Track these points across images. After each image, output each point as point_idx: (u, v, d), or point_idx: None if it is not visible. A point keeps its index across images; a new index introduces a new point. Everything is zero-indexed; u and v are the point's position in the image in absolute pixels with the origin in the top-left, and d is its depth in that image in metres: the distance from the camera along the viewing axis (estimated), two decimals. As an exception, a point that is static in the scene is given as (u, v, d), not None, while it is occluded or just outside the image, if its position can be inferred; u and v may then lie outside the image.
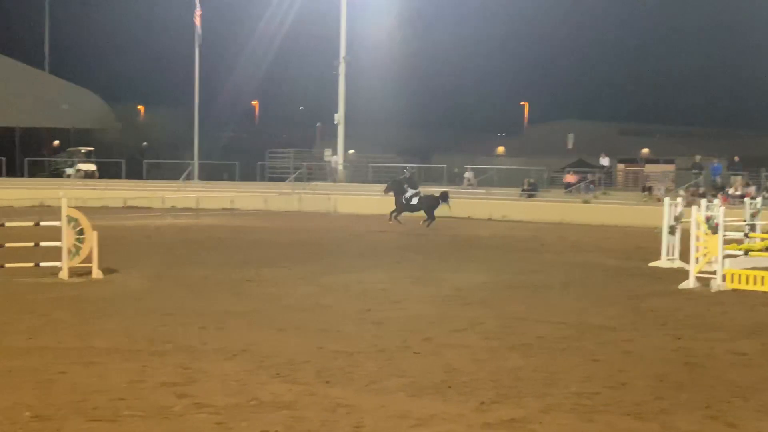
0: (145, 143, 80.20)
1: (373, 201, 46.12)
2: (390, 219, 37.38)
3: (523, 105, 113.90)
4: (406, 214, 38.19)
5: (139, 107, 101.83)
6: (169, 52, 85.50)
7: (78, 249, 19.76)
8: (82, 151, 67.66)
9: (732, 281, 19.44)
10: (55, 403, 9.76)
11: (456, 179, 59.58)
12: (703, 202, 21.36)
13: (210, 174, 62.46)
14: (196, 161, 61.55)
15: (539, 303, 17.65)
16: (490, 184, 55.48)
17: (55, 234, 19.88)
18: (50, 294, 17.64)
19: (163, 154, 67.60)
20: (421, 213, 38.08)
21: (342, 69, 59.70)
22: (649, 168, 61.48)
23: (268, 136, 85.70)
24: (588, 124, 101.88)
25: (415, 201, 37.15)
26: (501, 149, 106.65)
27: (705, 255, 19.98)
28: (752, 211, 24.41)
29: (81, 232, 19.80)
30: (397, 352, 12.69)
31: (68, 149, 70.23)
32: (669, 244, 24.29)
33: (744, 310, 17.08)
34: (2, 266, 19.61)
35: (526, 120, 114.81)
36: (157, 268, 21.89)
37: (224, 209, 48.69)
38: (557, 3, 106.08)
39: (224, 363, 11.81)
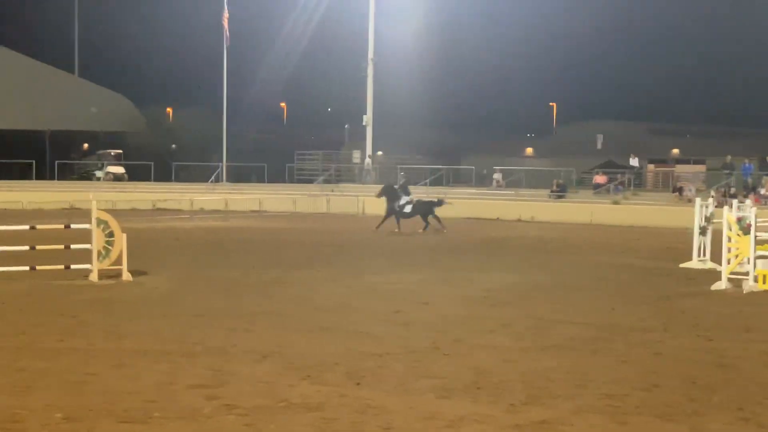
0: (173, 145, 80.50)
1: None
2: (391, 225, 36.30)
3: (552, 106, 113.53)
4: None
5: (167, 109, 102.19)
6: (197, 54, 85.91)
7: (108, 251, 19.83)
8: (112, 153, 68.01)
9: (764, 282, 19.25)
10: (86, 405, 9.79)
11: (485, 180, 59.39)
12: (735, 202, 21.19)
13: (238, 176, 62.58)
14: (224, 163, 61.66)
15: (569, 304, 17.57)
16: (518, 186, 55.27)
17: (85, 236, 19.95)
18: (81, 296, 17.71)
19: (191, 157, 67.71)
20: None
21: (370, 70, 59.67)
22: (679, 168, 61.00)
23: (296, 137, 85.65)
24: (617, 124, 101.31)
25: (408, 209, 36.57)
26: (529, 150, 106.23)
27: (737, 256, 19.83)
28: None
29: (111, 234, 19.86)
30: (427, 354, 12.66)
31: (97, 152, 70.60)
32: (700, 244, 24.13)
33: (776, 312, 16.96)
34: (33, 268, 19.71)
35: (554, 121, 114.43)
36: (185, 270, 21.94)
37: (253, 211, 48.79)
38: (586, 2, 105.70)
39: (254, 365, 11.81)
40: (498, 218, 44.38)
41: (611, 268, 23.87)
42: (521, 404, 10.05)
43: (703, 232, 24.04)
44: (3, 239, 22.12)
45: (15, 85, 73.70)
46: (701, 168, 60.32)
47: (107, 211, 21.52)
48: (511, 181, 56.43)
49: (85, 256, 19.90)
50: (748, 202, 24.54)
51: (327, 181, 57.52)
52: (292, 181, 61.05)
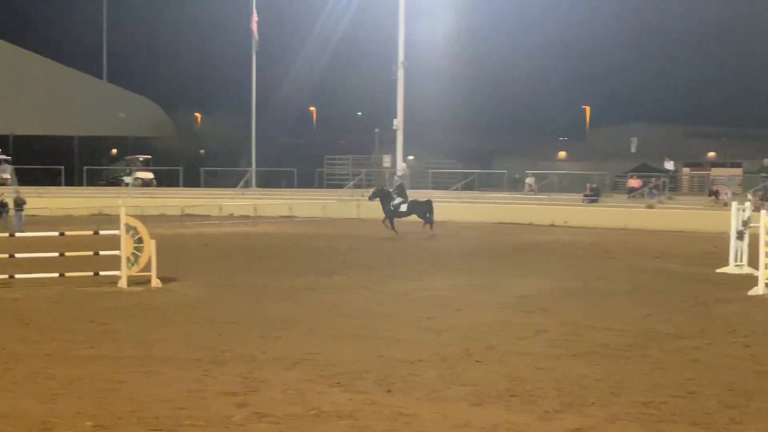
0: (202, 151, 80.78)
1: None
2: (387, 226, 36.32)
3: (585, 108, 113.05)
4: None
5: (196, 114, 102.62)
6: (225, 59, 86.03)
7: (137, 258, 19.83)
8: (140, 159, 68.32)
9: (802, 287, 19.02)
10: (115, 412, 9.73)
11: (517, 185, 59.23)
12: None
13: (268, 181, 62.66)
14: (253, 168, 61.78)
15: (604, 310, 17.39)
16: (551, 190, 55.00)
17: (114, 243, 19.97)
18: (110, 303, 17.70)
19: (220, 162, 67.88)
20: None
21: (400, 74, 59.54)
22: (715, 172, 60.39)
23: (326, 142, 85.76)
24: (652, 127, 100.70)
25: (403, 208, 36.68)
26: (562, 154, 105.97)
27: (775, 260, 19.57)
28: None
29: (139, 240, 19.87)
30: (459, 361, 12.53)
31: (126, 157, 70.93)
32: (737, 249, 23.87)
33: (815, 317, 16.72)
34: (62, 275, 19.73)
35: (587, 124, 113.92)
36: (215, 277, 21.91)
37: (282, 216, 48.79)
38: (619, 4, 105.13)
39: (284, 372, 11.71)
40: (530, 223, 44.28)
41: (646, 274, 23.66)
42: (555, 412, 9.91)
43: (739, 236, 23.79)
44: (32, 246, 22.15)
45: (44, 90, 74.39)
46: (738, 171, 59.69)
47: (136, 216, 21.55)
48: (544, 185, 56.20)
49: (114, 262, 19.91)
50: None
51: (357, 186, 57.44)
52: (321, 186, 61.05)
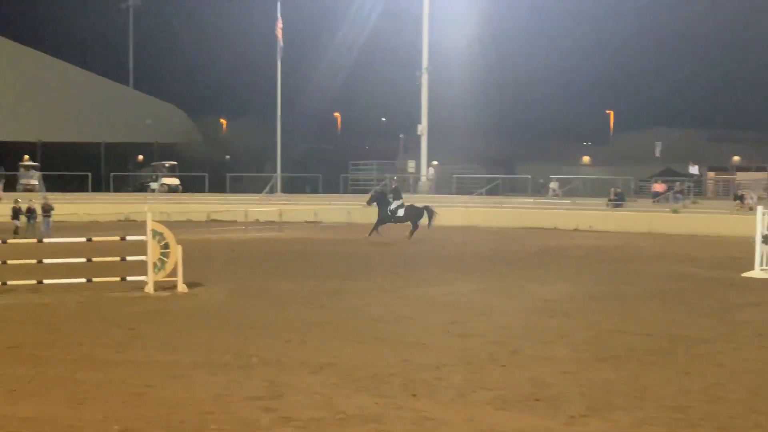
0: (227, 156, 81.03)
1: (457, 212, 45.99)
2: (370, 234, 36.16)
3: (609, 113, 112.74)
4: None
5: (221, 121, 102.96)
6: (250, 65, 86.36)
7: (163, 263, 19.92)
8: (166, 165, 68.64)
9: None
10: (142, 417, 9.80)
11: (541, 189, 59.16)
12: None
13: (293, 186, 62.82)
14: (278, 174, 61.95)
15: (628, 314, 17.34)
16: (575, 195, 54.98)
17: (141, 248, 20.06)
18: (136, 308, 17.78)
19: (245, 167, 68.15)
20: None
21: (424, 80, 59.64)
22: (740, 176, 60.30)
23: (350, 147, 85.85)
24: (676, 131, 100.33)
25: (401, 213, 36.51)
26: (586, 159, 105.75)
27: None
28: None
29: (166, 246, 19.95)
30: (484, 365, 12.54)
31: (152, 164, 71.33)
32: (762, 254, 23.76)
33: (841, 321, 16.64)
34: (90, 280, 19.85)
35: (611, 128, 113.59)
36: (241, 282, 21.96)
37: (307, 222, 48.89)
38: (643, 9, 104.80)
39: (310, 376, 11.75)
40: (555, 227, 44.15)
41: (671, 278, 23.57)
42: (580, 416, 9.91)
43: (765, 240, 23.68)
44: (60, 251, 22.30)
45: (71, 98, 74.81)
46: (763, 175, 59.50)
47: (162, 222, 21.61)
48: (568, 190, 56.16)
49: (140, 267, 20.00)
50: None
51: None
52: (346, 192, 61.10)
